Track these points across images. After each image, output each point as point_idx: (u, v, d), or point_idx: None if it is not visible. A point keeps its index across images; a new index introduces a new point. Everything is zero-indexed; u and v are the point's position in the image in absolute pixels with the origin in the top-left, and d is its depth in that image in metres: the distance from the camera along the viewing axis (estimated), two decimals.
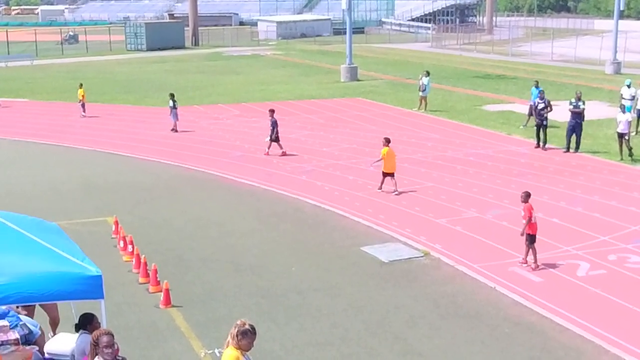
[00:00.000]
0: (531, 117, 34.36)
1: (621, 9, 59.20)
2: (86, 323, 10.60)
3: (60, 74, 61.51)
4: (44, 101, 45.48)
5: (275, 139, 29.18)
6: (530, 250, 17.36)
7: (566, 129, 29.53)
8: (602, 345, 13.65)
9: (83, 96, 39.09)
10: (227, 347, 9.08)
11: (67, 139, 33.31)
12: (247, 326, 8.97)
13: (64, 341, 11.76)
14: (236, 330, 8.97)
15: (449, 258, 18.18)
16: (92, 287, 9.69)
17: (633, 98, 33.22)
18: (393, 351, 13.59)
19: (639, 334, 14.01)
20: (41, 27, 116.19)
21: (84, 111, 39.06)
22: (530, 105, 34.85)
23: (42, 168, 28.12)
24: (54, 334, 13.06)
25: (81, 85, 40.12)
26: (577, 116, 28.94)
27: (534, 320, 14.77)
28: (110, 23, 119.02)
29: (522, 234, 17.42)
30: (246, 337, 8.94)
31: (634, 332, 14.12)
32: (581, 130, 29.08)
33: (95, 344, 9.16)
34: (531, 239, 17.30)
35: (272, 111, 29.49)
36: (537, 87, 34.81)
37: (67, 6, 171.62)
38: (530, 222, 17.21)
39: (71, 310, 12.65)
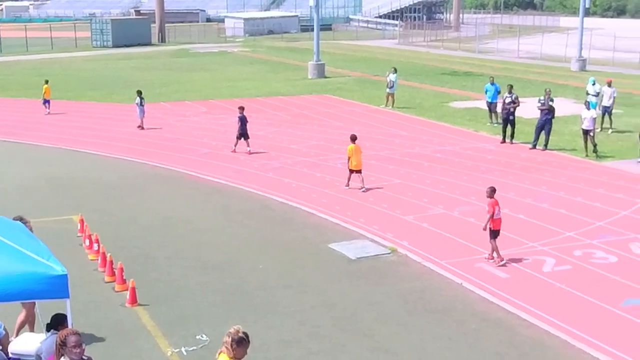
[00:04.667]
0: (493, 114, 34.74)
1: (586, 6, 59.82)
2: (58, 323, 10.50)
3: (26, 70, 60.97)
4: (9, 98, 44.99)
5: (244, 136, 29.07)
6: (492, 245, 17.48)
7: (535, 125, 29.71)
8: (568, 340, 13.76)
9: (47, 93, 38.68)
10: (219, 354, 8.96)
11: (32, 136, 32.98)
12: (241, 334, 8.83)
13: (29, 341, 11.67)
14: (230, 339, 8.80)
15: (416, 255, 18.23)
16: (58, 287, 9.58)
17: (598, 95, 33.55)
18: (362, 347, 13.60)
19: (603, 329, 14.15)
20: (5, 23, 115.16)
21: (49, 108, 38.70)
22: (488, 102, 35.18)
23: (7, 166, 27.79)
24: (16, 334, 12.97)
25: (46, 81, 39.75)
26: (545, 113, 29.11)
27: (500, 316, 14.86)
28: (76, 19, 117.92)
29: (484, 229, 17.52)
30: (241, 345, 8.80)
31: (598, 326, 14.25)
32: (550, 127, 29.25)
33: (62, 344, 9.05)
34: (494, 234, 17.40)
35: (241, 108, 29.41)
36: (492, 83, 35.13)
37: (32, 2, 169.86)
38: (493, 218, 17.32)
39: (36, 310, 12.56)
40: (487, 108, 35.57)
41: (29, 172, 26.80)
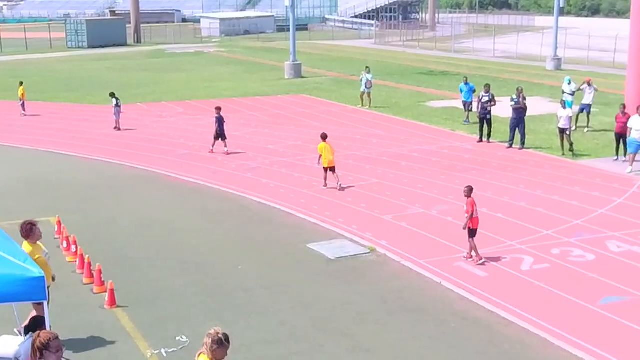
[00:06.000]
0: (468, 112, 34.90)
1: (561, 6, 60.17)
2: (37, 326, 10.41)
3: (0, 71, 60.45)
4: None
5: (221, 136, 28.99)
6: (470, 244, 17.52)
7: (509, 124, 29.85)
8: (547, 338, 13.81)
9: (23, 94, 38.45)
10: (199, 355, 8.92)
11: (7, 138, 32.71)
12: (220, 335, 8.78)
13: (7, 343, 11.56)
14: (210, 340, 8.76)
15: (395, 254, 18.24)
16: (35, 289, 9.53)
17: (574, 94, 33.69)
18: (341, 347, 13.59)
19: (582, 327, 14.22)
20: None
21: (24, 110, 38.44)
22: (463, 101, 35.39)
23: None
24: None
25: (21, 83, 39.47)
26: (518, 112, 29.24)
27: (479, 315, 14.89)
28: (51, 20, 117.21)
29: (464, 228, 17.55)
30: (221, 347, 8.75)
31: (577, 324, 14.32)
32: (524, 126, 29.39)
33: (44, 347, 8.87)
34: (472, 233, 17.44)
35: (218, 109, 29.34)
36: (466, 83, 35.32)
37: (5, 3, 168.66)
38: (473, 217, 17.36)
39: (13, 313, 12.45)
40: (463, 107, 35.79)
41: (5, 174, 26.60)
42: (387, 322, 14.66)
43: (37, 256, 13.06)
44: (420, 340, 13.90)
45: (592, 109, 33.60)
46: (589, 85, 32.96)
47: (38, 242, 13.40)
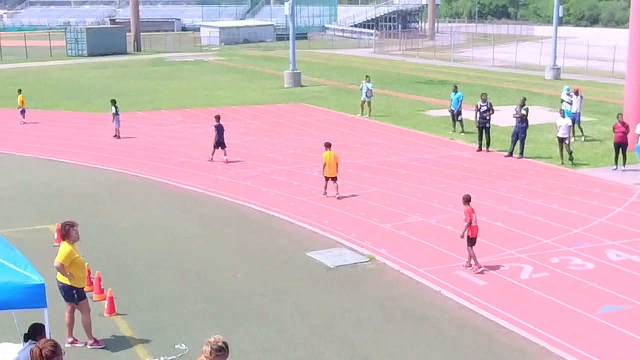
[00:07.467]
0: (457, 122, 34.72)
1: (560, 15, 60.33)
2: (36, 334, 10.41)
3: (1, 79, 60.49)
4: None
5: (221, 145, 29.00)
6: (469, 253, 17.54)
7: (512, 133, 29.85)
8: (546, 346, 13.82)
9: (22, 102, 38.47)
10: None
11: (7, 145, 32.73)
12: (220, 344, 8.74)
13: (6, 351, 11.55)
14: (210, 349, 8.69)
15: (394, 263, 18.25)
16: (36, 296, 9.52)
17: (572, 103, 33.71)
18: (340, 355, 13.59)
19: (581, 336, 14.22)
20: None
21: (24, 118, 38.47)
22: (451, 110, 35.18)
23: None
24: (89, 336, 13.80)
25: (20, 91, 39.53)
26: (519, 122, 29.22)
27: (479, 323, 14.90)
28: (51, 28, 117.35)
29: (462, 237, 17.57)
30: (220, 355, 8.71)
31: (576, 333, 14.32)
32: (525, 136, 29.37)
33: (53, 355, 8.81)
34: (471, 242, 17.46)
35: (218, 117, 29.39)
36: (455, 92, 35.18)
37: (6, 11, 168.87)
38: (471, 225, 17.37)
39: (13, 320, 12.44)
40: (452, 117, 35.55)
41: (4, 181, 26.61)
42: (387, 330, 14.67)
43: (76, 256, 13.51)
44: (419, 348, 13.91)
45: (585, 118, 33.55)
46: (577, 94, 33.00)
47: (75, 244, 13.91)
